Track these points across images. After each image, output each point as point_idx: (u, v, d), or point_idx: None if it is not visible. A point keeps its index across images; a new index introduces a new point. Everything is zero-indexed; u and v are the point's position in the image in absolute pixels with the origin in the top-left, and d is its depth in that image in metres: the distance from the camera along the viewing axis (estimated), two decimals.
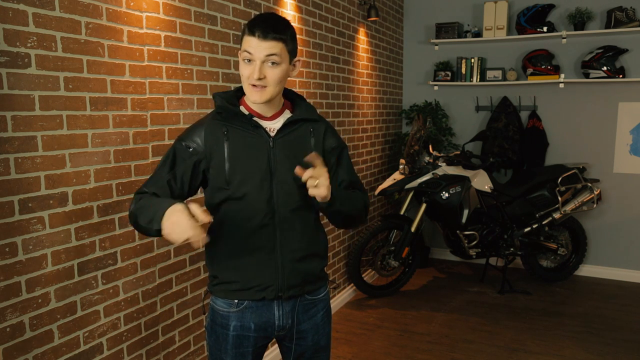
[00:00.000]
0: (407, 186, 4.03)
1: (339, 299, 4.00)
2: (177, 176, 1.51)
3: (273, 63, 1.44)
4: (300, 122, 1.57)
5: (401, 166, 4.11)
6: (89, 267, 1.95)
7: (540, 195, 4.30)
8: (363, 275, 4.24)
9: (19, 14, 1.65)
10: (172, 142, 1.99)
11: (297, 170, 1.40)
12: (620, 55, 4.39)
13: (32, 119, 1.71)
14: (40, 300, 1.78)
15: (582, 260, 4.57)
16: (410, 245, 4.11)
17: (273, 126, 1.55)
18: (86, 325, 1.96)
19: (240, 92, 1.60)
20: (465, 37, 4.85)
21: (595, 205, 4.27)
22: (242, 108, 1.56)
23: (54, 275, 1.82)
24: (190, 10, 2.37)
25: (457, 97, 5.04)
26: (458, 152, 4.23)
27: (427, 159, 4.09)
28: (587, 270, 4.73)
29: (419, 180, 4.03)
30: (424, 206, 4.11)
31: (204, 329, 2.25)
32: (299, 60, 1.55)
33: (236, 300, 1.57)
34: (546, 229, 4.35)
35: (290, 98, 1.65)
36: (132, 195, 2.12)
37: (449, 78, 4.94)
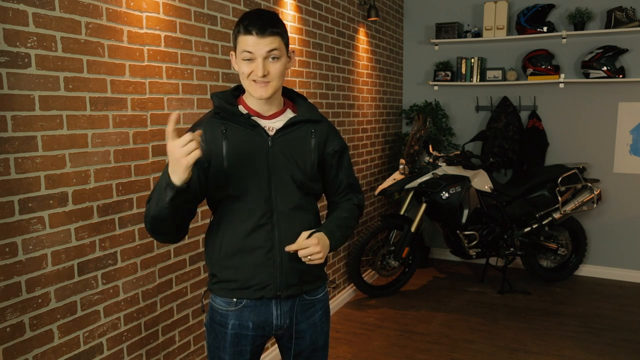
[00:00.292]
0: (407, 186, 4.03)
1: (339, 299, 4.00)
2: None
3: (274, 58, 1.46)
4: (301, 122, 1.58)
5: (401, 166, 4.11)
6: (89, 267, 1.96)
7: (540, 195, 4.31)
8: (363, 275, 4.24)
9: (19, 14, 1.65)
10: None
11: (287, 248, 1.48)
12: (620, 55, 4.39)
13: (32, 119, 1.71)
14: (40, 300, 1.78)
15: (582, 260, 4.57)
16: (410, 245, 4.11)
17: (272, 125, 1.55)
18: (86, 325, 1.96)
19: (237, 91, 1.60)
20: (465, 37, 4.85)
21: (595, 205, 4.27)
22: (240, 107, 1.56)
23: (54, 275, 1.82)
24: (190, 10, 2.37)
25: (457, 97, 5.04)
26: (458, 152, 4.23)
27: (427, 159, 4.10)
28: (587, 270, 4.73)
29: (419, 180, 4.03)
30: (424, 206, 4.11)
31: (204, 328, 2.25)
32: (293, 52, 1.57)
33: (235, 299, 1.57)
34: (546, 229, 4.35)
35: (291, 98, 1.65)
36: (132, 195, 2.12)
37: (449, 78, 4.93)
